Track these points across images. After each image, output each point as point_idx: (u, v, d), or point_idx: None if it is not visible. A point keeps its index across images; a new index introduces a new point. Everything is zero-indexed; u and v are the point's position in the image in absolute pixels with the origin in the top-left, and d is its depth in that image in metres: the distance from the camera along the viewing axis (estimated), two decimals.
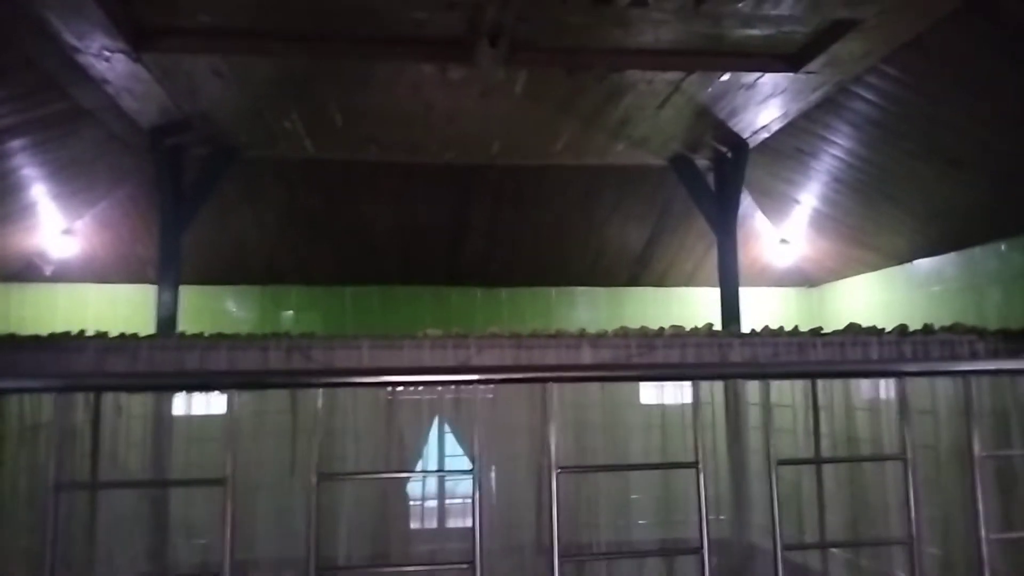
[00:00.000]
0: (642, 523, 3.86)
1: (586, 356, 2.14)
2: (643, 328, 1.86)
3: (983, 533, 1.43)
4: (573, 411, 3.75)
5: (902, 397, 1.43)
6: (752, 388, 4.46)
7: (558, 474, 1.39)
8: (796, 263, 6.21)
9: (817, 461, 2.92)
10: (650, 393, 4.93)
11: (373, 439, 3.27)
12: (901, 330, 1.74)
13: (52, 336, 1.77)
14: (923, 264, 5.16)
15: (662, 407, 4.75)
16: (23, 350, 1.68)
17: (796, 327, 1.93)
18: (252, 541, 3.40)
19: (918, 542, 1.44)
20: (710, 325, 2.15)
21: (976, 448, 1.50)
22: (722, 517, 4.33)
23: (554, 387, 1.45)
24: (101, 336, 1.74)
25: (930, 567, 2.68)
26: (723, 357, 2.25)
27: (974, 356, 1.78)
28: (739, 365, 1.64)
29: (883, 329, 1.84)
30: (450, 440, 4.08)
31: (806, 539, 3.63)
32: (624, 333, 1.79)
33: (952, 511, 2.81)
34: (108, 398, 3.37)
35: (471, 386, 3.17)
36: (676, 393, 4.78)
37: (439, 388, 4.03)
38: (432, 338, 1.79)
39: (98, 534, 2.97)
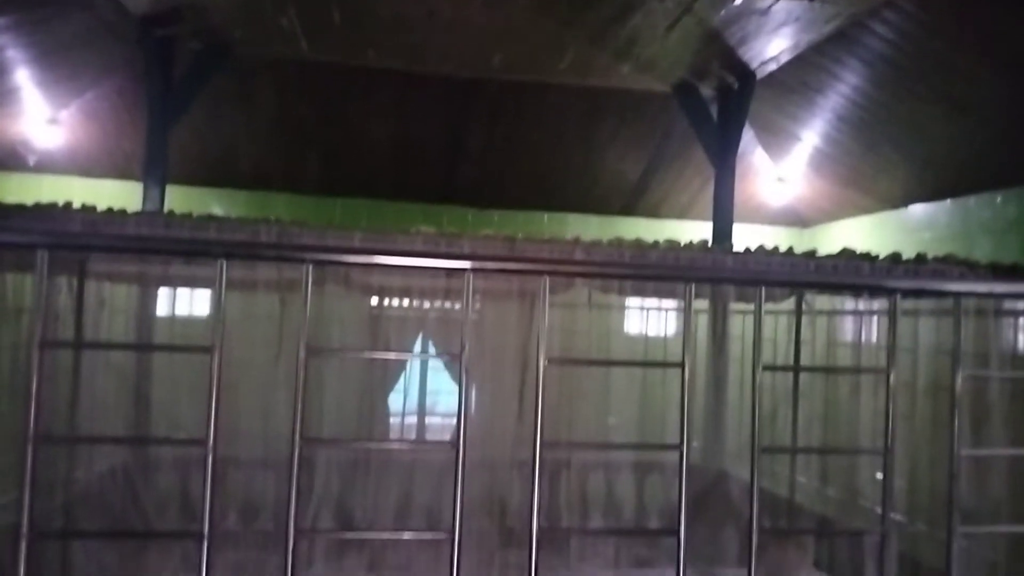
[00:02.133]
0: (620, 440, 3.94)
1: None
2: (638, 239, 1.85)
3: (956, 447, 1.46)
4: (560, 335, 3.78)
5: (892, 312, 1.43)
6: (736, 322, 4.51)
7: (545, 367, 1.40)
8: (791, 203, 6.19)
9: (798, 369, 2.96)
10: (636, 322, 4.98)
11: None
12: (894, 257, 1.74)
13: (38, 205, 1.74)
14: (916, 210, 5.16)
15: (645, 339, 4.82)
16: (9, 216, 1.65)
17: (790, 248, 1.94)
18: (236, 427, 3.42)
19: (892, 453, 1.47)
20: (705, 242, 2.16)
21: (959, 380, 1.52)
22: (695, 444, 4.44)
23: (546, 284, 1.45)
24: (89, 209, 1.71)
25: (899, 488, 2.76)
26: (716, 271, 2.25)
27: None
28: (732, 270, 1.64)
29: (876, 256, 1.84)
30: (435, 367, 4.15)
31: (780, 474, 3.74)
32: (619, 243, 1.79)
33: (924, 439, 2.87)
34: (91, 288, 3.35)
35: (457, 303, 3.17)
36: (660, 324, 4.84)
37: (426, 306, 4.02)
38: (425, 234, 1.78)
39: (79, 421, 2.98)
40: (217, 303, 1.27)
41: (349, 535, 2.11)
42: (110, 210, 1.73)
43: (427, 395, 4.41)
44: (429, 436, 4.33)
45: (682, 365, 1.37)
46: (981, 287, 1.61)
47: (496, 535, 3.22)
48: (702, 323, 4.46)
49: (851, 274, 1.61)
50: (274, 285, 2.77)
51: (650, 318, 5.02)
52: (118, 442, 2.88)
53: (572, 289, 3.36)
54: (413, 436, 4.34)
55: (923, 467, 2.94)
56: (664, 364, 1.55)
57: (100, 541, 2.52)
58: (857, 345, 3.44)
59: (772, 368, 2.90)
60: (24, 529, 1.20)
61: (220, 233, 1.55)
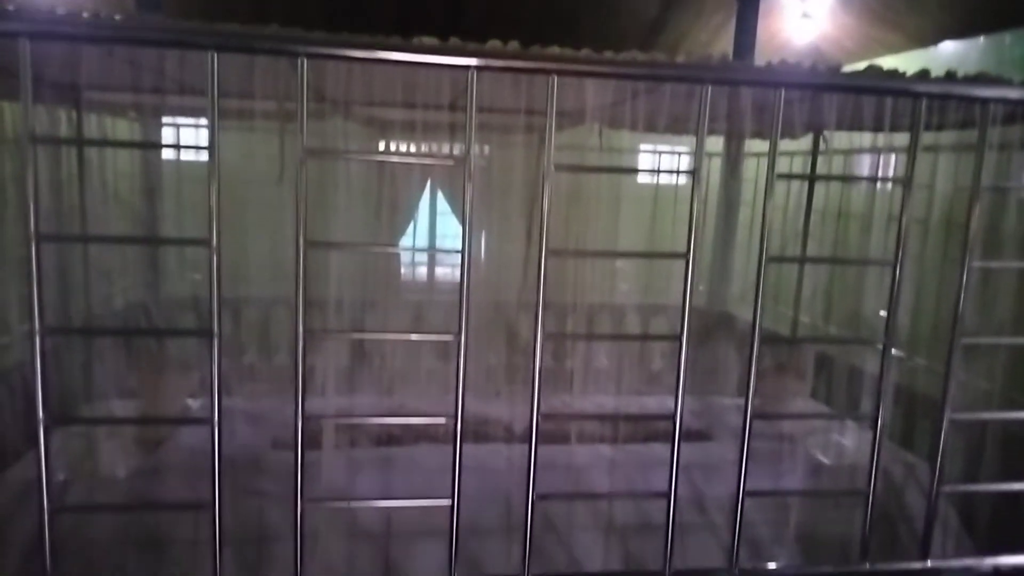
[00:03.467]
0: (624, 288, 3.98)
1: (588, 86, 2.04)
2: (652, 55, 1.75)
3: (968, 260, 1.44)
4: (568, 181, 3.72)
5: (915, 119, 1.36)
6: (750, 165, 4.42)
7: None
8: (814, 41, 5.88)
9: (804, 259, 2.94)
10: (647, 176, 4.88)
11: (363, 199, 3.23)
12: (922, 73, 1.64)
13: None
14: (946, 48, 4.89)
15: (656, 186, 4.75)
16: None
17: (813, 64, 1.83)
18: (245, 280, 3.48)
19: (890, 344, 1.46)
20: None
21: (974, 218, 1.48)
22: (700, 288, 4.48)
23: (553, 83, 1.38)
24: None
25: (902, 324, 2.80)
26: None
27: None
28: (751, 74, 1.56)
29: (904, 72, 1.73)
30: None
31: (783, 315, 3.78)
32: (633, 59, 1.69)
33: (933, 277, 2.87)
34: (91, 120, 3.27)
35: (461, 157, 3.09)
36: (671, 177, 4.75)
37: (431, 159, 3.93)
38: (430, 45, 1.68)
39: (90, 258, 3.01)
40: (211, 103, 1.22)
41: (356, 335, 2.16)
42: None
43: (437, 241, 4.43)
44: (440, 281, 4.40)
45: (693, 175, 1.33)
46: (1013, 93, 1.52)
47: (502, 371, 3.32)
48: (715, 167, 4.39)
49: (875, 78, 1.52)
50: (273, 116, 2.70)
51: (663, 164, 4.93)
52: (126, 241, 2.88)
53: (581, 129, 3.27)
54: (424, 281, 4.40)
55: (928, 304, 2.96)
56: (670, 255, 1.52)
57: (117, 367, 2.60)
58: (873, 186, 3.38)
59: (787, 176, 2.84)
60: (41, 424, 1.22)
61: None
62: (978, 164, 1.41)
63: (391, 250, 3.12)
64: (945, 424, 1.49)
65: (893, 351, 2.88)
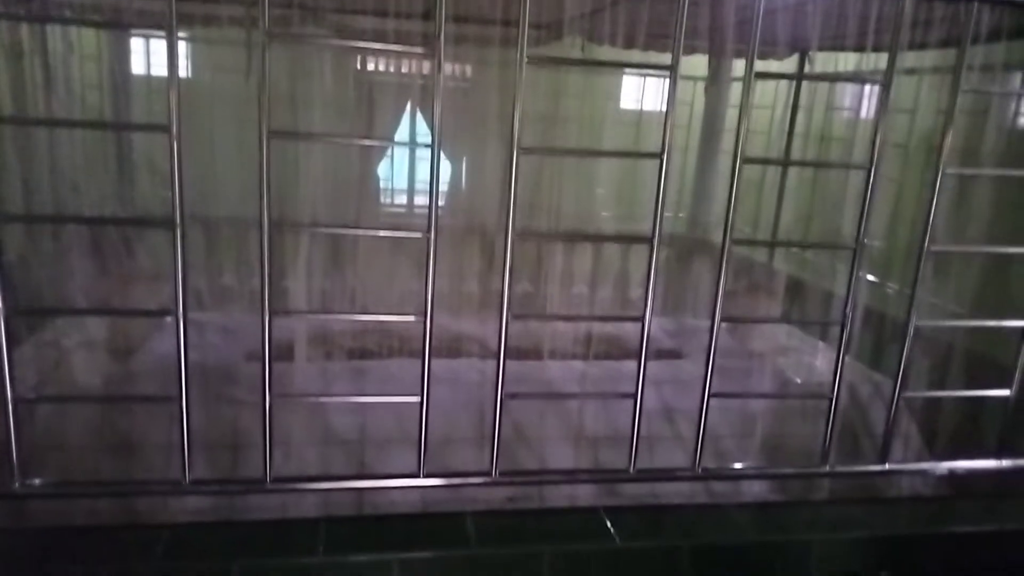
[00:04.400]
0: (605, 215, 3.96)
1: None
2: None
3: (942, 166, 1.44)
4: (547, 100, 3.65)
5: (899, 12, 1.34)
6: (736, 91, 4.35)
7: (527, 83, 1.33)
8: None
9: (784, 162, 2.93)
10: (631, 93, 4.80)
11: (339, 115, 3.15)
12: None
13: None
14: None
15: (640, 111, 4.67)
16: None
17: None
18: (215, 198, 3.40)
19: (861, 247, 1.45)
20: None
21: (952, 120, 1.46)
22: (681, 215, 4.48)
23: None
24: None
25: (878, 249, 2.82)
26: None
27: None
28: None
29: None
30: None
31: (759, 237, 3.79)
32: None
33: (903, 224, 2.89)
34: (56, 32, 3.14)
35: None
36: (656, 99, 4.68)
37: (414, 70, 3.84)
38: None
39: (59, 170, 2.93)
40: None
41: (324, 229, 2.15)
42: None
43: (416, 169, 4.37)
44: (418, 207, 4.35)
45: (671, 70, 1.30)
46: None
47: (479, 292, 3.32)
48: (699, 93, 4.33)
49: None
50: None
51: (647, 88, 4.84)
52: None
53: (560, 43, 3.19)
54: (403, 207, 4.35)
55: (904, 231, 2.98)
56: (645, 155, 1.49)
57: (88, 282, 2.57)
58: (856, 112, 3.36)
59: (767, 77, 2.81)
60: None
61: None
62: (959, 61, 1.39)
63: (362, 143, 3.04)
64: (911, 331, 1.51)
65: (868, 277, 2.93)
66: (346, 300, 2.87)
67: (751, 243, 2.38)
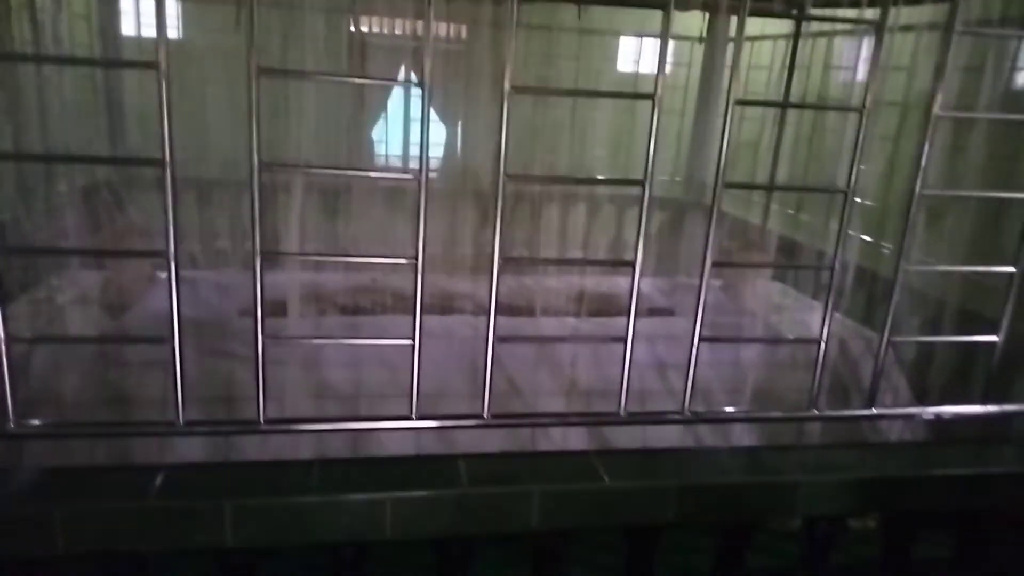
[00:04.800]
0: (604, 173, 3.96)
1: None
2: None
3: (936, 109, 1.44)
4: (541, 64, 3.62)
5: None
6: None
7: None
8: None
9: (781, 104, 2.91)
10: (629, 52, 4.77)
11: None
12: None
13: None
14: None
15: (636, 74, 4.65)
16: None
17: None
18: (216, 163, 3.39)
19: (852, 193, 1.45)
20: None
21: (947, 60, 1.46)
22: (678, 179, 4.48)
23: None
24: None
25: (871, 210, 2.81)
26: None
27: None
28: None
29: None
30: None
31: (757, 203, 3.80)
32: None
33: (899, 183, 2.88)
34: None
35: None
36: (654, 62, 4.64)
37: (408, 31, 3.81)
38: None
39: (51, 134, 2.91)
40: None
41: (313, 169, 2.14)
42: None
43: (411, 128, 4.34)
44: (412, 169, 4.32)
45: (665, 8, 1.29)
46: None
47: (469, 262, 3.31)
48: (697, 54, 4.31)
49: None
50: None
51: (644, 49, 4.79)
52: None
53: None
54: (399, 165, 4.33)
55: (897, 189, 2.99)
56: (638, 96, 1.48)
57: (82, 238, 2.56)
58: (853, 75, 3.34)
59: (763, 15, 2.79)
60: None
61: None
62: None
63: (355, 81, 2.99)
64: (900, 275, 1.52)
65: (863, 237, 2.93)
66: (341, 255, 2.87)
67: (745, 186, 2.37)
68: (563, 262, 2.71)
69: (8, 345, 1.32)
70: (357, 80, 3.05)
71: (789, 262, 3.07)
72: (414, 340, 1.45)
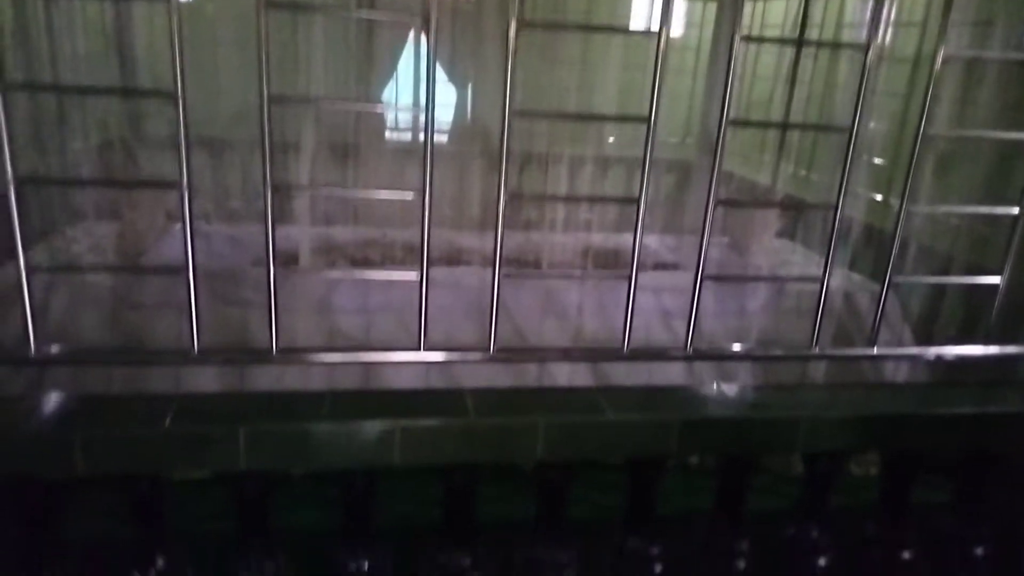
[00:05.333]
0: (611, 139, 3.96)
1: None
2: None
3: (942, 51, 1.44)
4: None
5: None
6: (747, 10, 4.29)
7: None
8: None
9: (793, 40, 2.89)
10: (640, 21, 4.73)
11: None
12: None
13: None
14: None
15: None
16: None
17: None
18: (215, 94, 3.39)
19: (857, 134, 1.45)
20: None
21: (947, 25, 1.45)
22: (689, 140, 4.46)
23: None
24: None
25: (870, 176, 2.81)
26: None
27: None
28: None
29: None
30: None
31: (767, 162, 3.78)
32: None
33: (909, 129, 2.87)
34: None
35: None
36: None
37: None
38: None
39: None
40: None
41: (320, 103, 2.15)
42: None
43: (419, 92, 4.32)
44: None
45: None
46: None
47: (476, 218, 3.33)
48: (710, 11, 4.28)
49: None
50: None
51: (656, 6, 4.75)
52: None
53: None
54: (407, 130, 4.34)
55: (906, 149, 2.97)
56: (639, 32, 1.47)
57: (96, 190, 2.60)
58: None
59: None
60: None
61: None
62: None
63: (364, 16, 2.98)
64: (903, 214, 1.53)
65: (875, 196, 2.92)
66: (348, 211, 2.91)
67: (750, 124, 2.37)
68: (569, 199, 2.73)
69: (29, 274, 1.36)
70: (366, 15, 3.01)
71: (798, 220, 3.07)
72: (421, 273, 1.47)
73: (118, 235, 2.57)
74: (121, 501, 1.50)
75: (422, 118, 1.35)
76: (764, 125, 3.06)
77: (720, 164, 1.47)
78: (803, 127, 3.17)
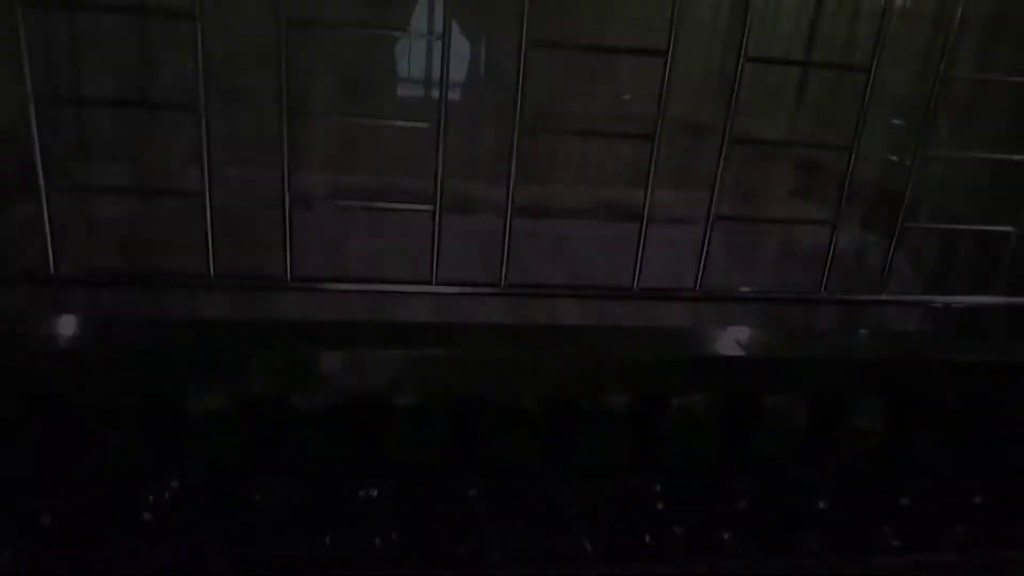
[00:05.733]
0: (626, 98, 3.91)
1: None
2: None
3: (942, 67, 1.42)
4: None
5: None
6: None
7: None
8: None
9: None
10: None
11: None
12: None
13: None
14: None
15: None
16: None
17: None
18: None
19: (875, 71, 1.44)
20: None
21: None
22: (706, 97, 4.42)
23: None
24: None
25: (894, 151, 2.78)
26: None
27: None
28: None
29: None
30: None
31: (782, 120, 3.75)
32: None
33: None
34: None
35: None
36: None
37: None
38: None
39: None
40: None
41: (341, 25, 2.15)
42: None
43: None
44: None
45: None
46: None
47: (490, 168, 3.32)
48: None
49: None
50: None
51: None
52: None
53: None
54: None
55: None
56: None
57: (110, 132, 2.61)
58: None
59: None
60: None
61: None
62: None
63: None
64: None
65: (891, 157, 2.90)
66: (363, 160, 2.90)
67: (767, 60, 2.31)
68: (582, 133, 2.72)
69: (48, 194, 1.37)
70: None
71: (813, 180, 3.05)
72: (434, 207, 1.49)
73: (136, 173, 2.58)
74: (135, 427, 1.54)
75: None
76: (781, 62, 3.01)
77: (737, 97, 1.47)
78: (819, 65, 3.13)
